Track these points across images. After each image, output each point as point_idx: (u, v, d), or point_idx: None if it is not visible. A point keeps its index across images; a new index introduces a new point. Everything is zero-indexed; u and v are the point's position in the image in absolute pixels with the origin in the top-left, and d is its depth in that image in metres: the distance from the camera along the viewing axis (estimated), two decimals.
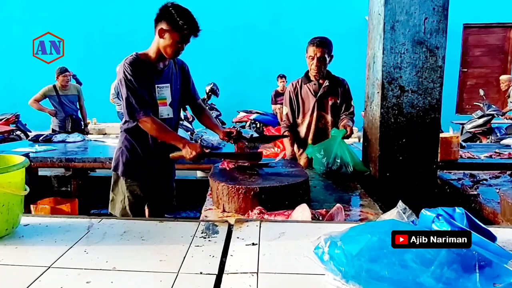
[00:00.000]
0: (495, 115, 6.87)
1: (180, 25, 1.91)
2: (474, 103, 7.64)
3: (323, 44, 2.59)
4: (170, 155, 2.04)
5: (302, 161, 2.79)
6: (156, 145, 2.13)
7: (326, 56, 2.61)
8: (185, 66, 2.28)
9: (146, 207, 2.34)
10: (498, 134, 6.62)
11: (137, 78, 1.97)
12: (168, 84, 2.12)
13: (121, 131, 2.21)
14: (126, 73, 1.96)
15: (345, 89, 2.76)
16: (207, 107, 2.46)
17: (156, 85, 2.07)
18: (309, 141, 2.77)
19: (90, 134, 6.24)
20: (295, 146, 2.85)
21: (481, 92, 7.31)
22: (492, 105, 7.09)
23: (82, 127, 5.46)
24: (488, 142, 6.49)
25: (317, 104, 2.73)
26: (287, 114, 2.85)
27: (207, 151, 2.07)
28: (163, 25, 1.94)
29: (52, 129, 5.29)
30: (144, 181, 2.20)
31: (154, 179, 2.23)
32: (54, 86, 5.20)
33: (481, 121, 6.81)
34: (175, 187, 2.46)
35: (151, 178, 2.22)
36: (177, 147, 2.02)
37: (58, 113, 5.23)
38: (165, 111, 2.13)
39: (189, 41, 2.00)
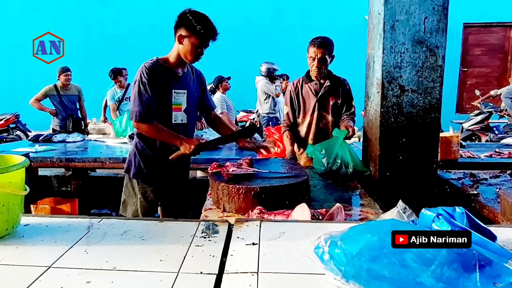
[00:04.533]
0: (492, 112, 6.88)
1: (198, 29, 1.97)
2: (472, 103, 7.66)
3: (324, 45, 2.58)
4: (170, 157, 2.06)
5: (302, 160, 2.79)
6: (165, 147, 2.13)
7: (327, 57, 2.61)
8: (202, 76, 2.34)
9: (160, 210, 2.35)
10: (496, 132, 6.64)
11: (152, 83, 2.01)
12: (185, 91, 2.16)
13: (135, 135, 2.25)
14: (142, 77, 2.00)
15: (346, 89, 2.75)
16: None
17: (173, 90, 2.11)
18: (310, 141, 2.76)
19: (90, 134, 6.25)
20: (295, 146, 2.85)
21: (477, 93, 7.32)
22: (489, 103, 7.10)
23: (83, 127, 5.47)
24: (487, 139, 6.51)
25: (318, 104, 2.72)
26: (287, 113, 2.84)
27: (203, 141, 2.11)
28: (182, 31, 1.99)
29: (53, 128, 5.30)
30: (156, 184, 2.20)
31: (166, 181, 2.23)
32: (55, 86, 5.21)
33: (479, 118, 6.83)
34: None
35: (163, 180, 2.21)
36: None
37: (59, 113, 5.24)
38: (179, 117, 2.17)
39: (208, 45, 2.05)
